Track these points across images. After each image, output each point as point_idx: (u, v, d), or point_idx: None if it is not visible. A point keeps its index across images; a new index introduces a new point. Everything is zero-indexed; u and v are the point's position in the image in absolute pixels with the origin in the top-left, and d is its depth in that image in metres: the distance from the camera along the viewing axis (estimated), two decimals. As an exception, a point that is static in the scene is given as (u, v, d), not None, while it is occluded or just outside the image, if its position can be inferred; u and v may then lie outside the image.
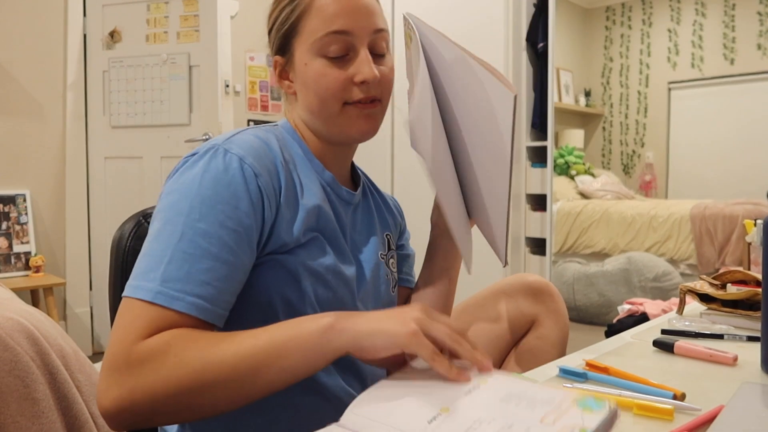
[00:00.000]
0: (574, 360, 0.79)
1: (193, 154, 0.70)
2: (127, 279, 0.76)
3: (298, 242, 0.72)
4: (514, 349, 0.94)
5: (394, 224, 0.95)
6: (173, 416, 0.62)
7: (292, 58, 0.79)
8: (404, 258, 0.98)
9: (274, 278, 0.71)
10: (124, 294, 0.63)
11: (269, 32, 0.83)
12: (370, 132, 0.79)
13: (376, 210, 0.91)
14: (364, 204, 0.89)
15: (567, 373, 0.72)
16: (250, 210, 0.67)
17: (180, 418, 0.64)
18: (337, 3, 0.75)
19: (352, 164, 0.91)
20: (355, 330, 0.58)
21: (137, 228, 0.84)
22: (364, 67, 0.75)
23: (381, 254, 0.88)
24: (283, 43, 0.80)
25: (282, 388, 0.60)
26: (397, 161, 3.38)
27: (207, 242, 0.64)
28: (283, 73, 0.82)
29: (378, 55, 0.79)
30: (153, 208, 0.85)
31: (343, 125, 0.78)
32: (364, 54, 0.76)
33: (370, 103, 0.78)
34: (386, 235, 0.92)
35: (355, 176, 0.91)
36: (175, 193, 0.67)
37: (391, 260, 0.90)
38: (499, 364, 0.97)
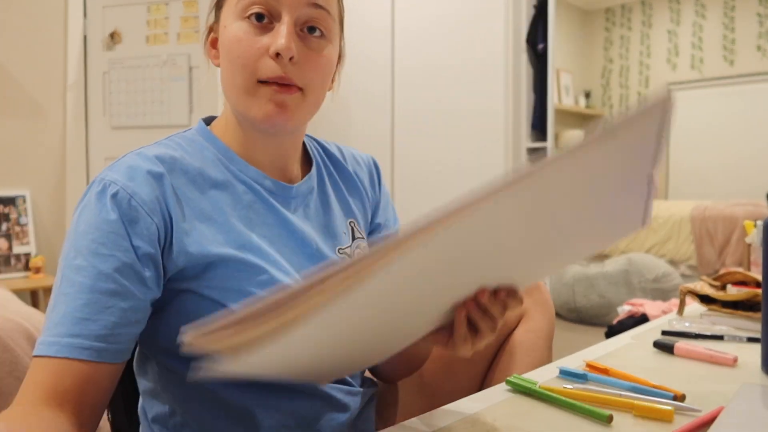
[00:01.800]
0: (574, 361, 0.79)
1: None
2: None
3: (209, 264, 0.64)
4: (505, 343, 0.93)
5: (362, 203, 0.85)
6: None
7: (218, 23, 0.71)
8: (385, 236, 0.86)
9: (196, 310, 0.64)
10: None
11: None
12: (279, 122, 0.67)
13: (335, 194, 0.81)
14: (319, 192, 0.79)
15: (567, 374, 0.72)
16: (126, 234, 0.60)
17: None
18: None
19: (305, 148, 0.81)
20: None
21: None
22: (279, 37, 0.65)
23: (339, 249, 0.78)
24: (215, 7, 0.73)
25: None
26: (396, 161, 3.38)
27: (82, 276, 0.59)
28: (213, 41, 0.74)
29: (311, 35, 0.68)
30: None
31: (249, 105, 0.67)
32: (285, 26, 0.66)
33: (285, 86, 0.67)
34: (350, 223, 0.81)
35: (307, 162, 0.81)
36: (66, 241, 0.64)
37: (357, 250, 0.81)
38: (492, 357, 0.96)
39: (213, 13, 0.73)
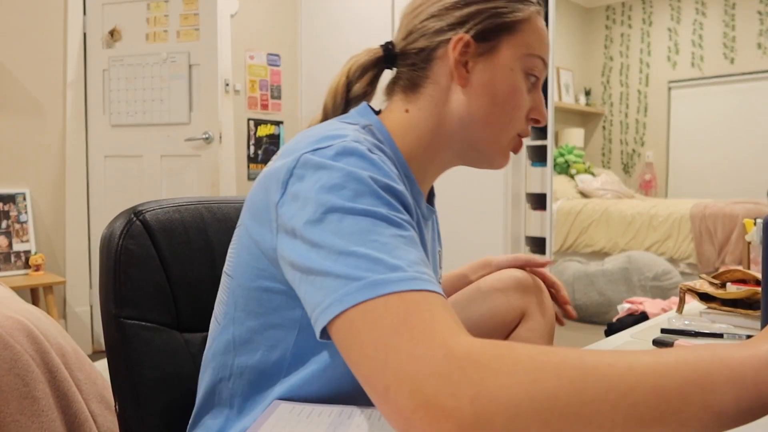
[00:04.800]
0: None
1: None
2: (120, 279, 0.72)
3: None
4: None
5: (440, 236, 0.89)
6: None
7: (493, 51, 0.68)
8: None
9: None
10: (357, 299, 0.47)
11: (468, 3, 0.69)
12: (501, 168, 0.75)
13: (436, 226, 0.85)
14: (431, 222, 0.81)
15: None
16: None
17: None
18: (545, 34, 0.72)
19: None
20: None
21: (129, 226, 0.78)
22: (543, 107, 0.72)
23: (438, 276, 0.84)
24: (488, 29, 0.68)
25: None
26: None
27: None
28: (466, 59, 0.68)
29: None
30: (144, 204, 0.82)
31: (498, 152, 0.72)
32: (541, 95, 0.72)
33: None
34: (438, 252, 0.86)
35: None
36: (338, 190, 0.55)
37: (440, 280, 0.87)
38: None
39: (475, 32, 0.68)
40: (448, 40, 0.68)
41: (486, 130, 0.70)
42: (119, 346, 0.75)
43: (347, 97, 0.74)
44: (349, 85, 0.74)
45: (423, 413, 0.41)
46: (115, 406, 0.78)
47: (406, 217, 0.56)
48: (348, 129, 0.61)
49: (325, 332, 0.50)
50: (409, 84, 0.72)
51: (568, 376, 0.41)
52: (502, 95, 0.68)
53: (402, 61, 0.73)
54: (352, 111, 0.73)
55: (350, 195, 0.53)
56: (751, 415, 0.42)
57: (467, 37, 0.68)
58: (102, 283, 0.77)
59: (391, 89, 0.75)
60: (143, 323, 0.76)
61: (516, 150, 0.73)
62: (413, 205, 0.64)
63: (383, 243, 0.51)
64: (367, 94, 0.75)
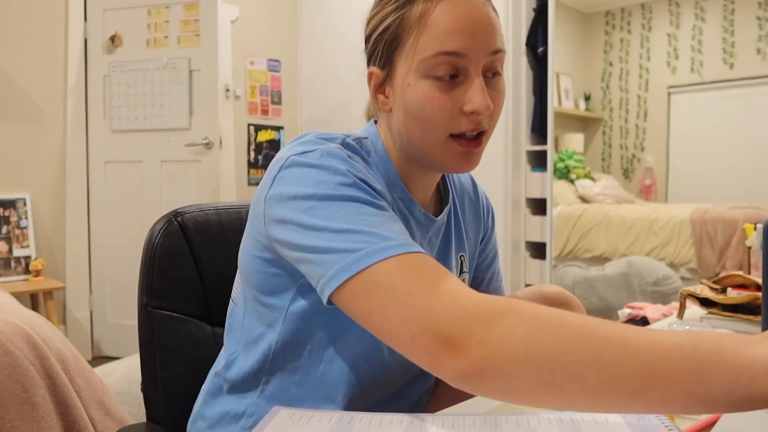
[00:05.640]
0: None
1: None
2: (153, 273, 0.81)
3: None
4: None
5: (475, 240, 0.89)
6: (530, 388, 0.49)
7: (392, 72, 0.71)
8: (490, 274, 0.94)
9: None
10: (365, 264, 0.55)
11: (367, 39, 0.74)
12: (468, 170, 0.72)
13: (455, 231, 0.84)
14: (446, 225, 0.82)
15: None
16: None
17: (537, 395, 0.49)
18: (452, 19, 0.65)
19: (444, 181, 0.83)
20: None
21: (167, 225, 0.86)
22: (476, 95, 0.66)
23: None
24: (383, 54, 0.71)
25: (679, 412, 0.46)
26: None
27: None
28: (380, 87, 0.73)
29: (490, 77, 0.69)
30: (185, 207, 0.88)
31: (442, 159, 0.70)
32: (478, 81, 0.66)
33: (476, 140, 0.69)
34: (460, 257, 0.85)
35: (444, 196, 0.83)
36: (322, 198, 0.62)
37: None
38: None
39: (377, 61, 0.72)
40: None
41: (417, 143, 0.71)
42: (148, 334, 0.83)
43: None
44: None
45: (445, 350, 0.50)
46: (142, 388, 0.85)
47: (384, 203, 0.64)
48: (333, 140, 0.70)
49: (330, 302, 0.59)
50: (373, 110, 0.80)
51: (563, 338, 0.48)
52: (412, 110, 0.69)
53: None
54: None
55: (334, 185, 0.61)
56: (740, 407, 0.44)
57: (374, 68, 0.73)
58: (140, 277, 0.85)
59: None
60: (171, 313, 0.84)
61: (471, 148, 0.69)
62: (403, 210, 0.74)
63: (371, 221, 0.59)
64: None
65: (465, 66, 0.66)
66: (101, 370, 1.90)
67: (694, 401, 0.44)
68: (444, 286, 0.53)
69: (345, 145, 0.70)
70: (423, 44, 0.66)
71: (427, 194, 0.79)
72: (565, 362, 0.47)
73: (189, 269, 0.86)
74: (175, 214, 0.87)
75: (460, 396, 0.85)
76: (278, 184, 0.64)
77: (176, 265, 0.85)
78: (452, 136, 0.69)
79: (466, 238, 0.86)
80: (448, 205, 0.82)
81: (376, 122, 0.79)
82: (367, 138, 0.76)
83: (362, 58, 0.78)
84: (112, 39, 3.01)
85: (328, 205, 0.60)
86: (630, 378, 0.45)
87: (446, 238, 0.82)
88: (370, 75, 0.74)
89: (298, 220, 0.61)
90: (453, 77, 0.67)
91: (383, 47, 0.71)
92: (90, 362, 2.66)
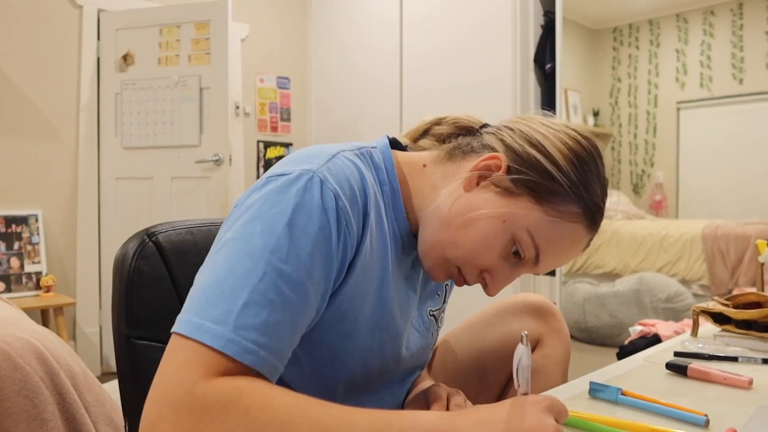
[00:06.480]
0: (584, 384, 0.78)
1: (284, 174, 0.61)
2: (132, 300, 0.73)
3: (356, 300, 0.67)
4: None
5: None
6: None
7: (512, 193, 0.67)
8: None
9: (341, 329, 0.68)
10: (180, 330, 0.53)
11: (534, 158, 0.68)
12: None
13: None
14: None
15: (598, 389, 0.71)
16: (337, 259, 0.60)
17: None
18: (563, 244, 0.69)
19: None
20: None
21: (142, 247, 0.79)
22: (499, 282, 0.71)
23: (430, 311, 0.83)
24: (525, 179, 0.67)
25: None
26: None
27: (291, 290, 0.55)
28: (486, 177, 0.69)
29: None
30: (157, 226, 0.82)
31: (431, 267, 0.72)
32: (509, 274, 0.71)
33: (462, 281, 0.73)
34: (445, 286, 0.87)
35: None
36: (257, 220, 0.57)
37: (442, 315, 0.86)
38: (505, 382, 0.96)
39: (516, 172, 0.67)
40: (493, 149, 0.70)
41: (432, 239, 0.71)
42: (130, 367, 0.76)
43: (425, 130, 0.81)
44: (435, 123, 0.81)
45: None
46: (124, 426, 0.78)
47: (330, 269, 0.60)
48: (334, 151, 0.67)
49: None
50: (447, 151, 0.75)
51: (270, 429, 0.48)
52: (471, 229, 0.67)
53: (468, 134, 0.77)
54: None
55: (269, 227, 0.57)
56: None
57: (504, 163, 0.68)
58: (114, 303, 0.78)
59: (438, 140, 0.80)
60: (154, 344, 0.77)
61: (455, 281, 0.73)
62: (386, 234, 0.70)
63: (255, 295, 0.54)
64: (436, 138, 0.80)
65: (531, 262, 0.69)
66: (110, 386, 1.90)
67: None
68: (194, 371, 0.51)
69: (361, 156, 0.70)
70: (543, 229, 0.67)
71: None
72: None
73: (170, 294, 0.79)
74: (149, 233, 0.80)
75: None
76: (247, 196, 0.63)
77: (156, 291, 0.78)
78: (458, 268, 0.71)
79: None
80: None
81: (403, 145, 0.79)
82: (375, 147, 0.75)
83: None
84: (125, 58, 3.06)
85: (254, 254, 0.56)
86: None
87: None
88: (495, 159, 0.68)
89: (222, 235, 0.60)
90: (516, 254, 0.68)
91: (532, 177, 0.67)
92: (99, 378, 2.66)
